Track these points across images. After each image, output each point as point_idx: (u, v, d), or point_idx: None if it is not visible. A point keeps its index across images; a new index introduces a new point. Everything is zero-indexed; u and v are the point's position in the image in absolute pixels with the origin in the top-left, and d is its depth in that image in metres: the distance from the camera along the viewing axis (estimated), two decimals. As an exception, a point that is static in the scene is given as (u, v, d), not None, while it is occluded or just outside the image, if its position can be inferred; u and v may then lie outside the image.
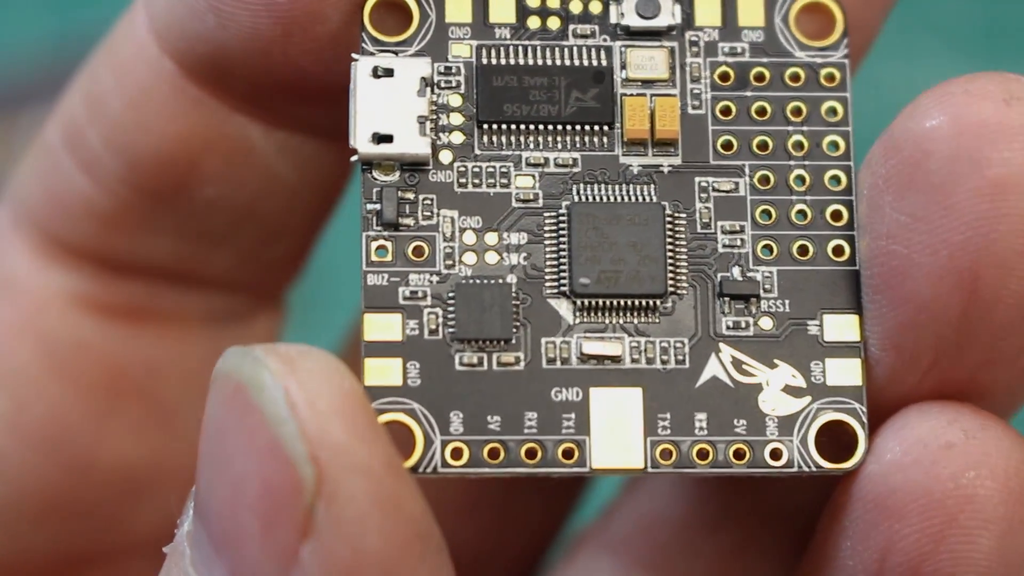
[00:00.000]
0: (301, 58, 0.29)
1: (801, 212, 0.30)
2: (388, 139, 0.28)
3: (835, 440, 0.29)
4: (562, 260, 0.29)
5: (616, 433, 0.28)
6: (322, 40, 0.29)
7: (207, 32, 0.29)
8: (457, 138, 0.29)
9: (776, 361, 0.29)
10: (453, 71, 0.29)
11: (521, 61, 0.29)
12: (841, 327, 0.29)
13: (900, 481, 0.27)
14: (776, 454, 0.29)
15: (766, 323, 0.29)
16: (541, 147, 0.29)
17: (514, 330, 0.28)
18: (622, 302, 0.29)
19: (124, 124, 0.31)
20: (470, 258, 0.29)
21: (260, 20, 0.29)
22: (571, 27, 0.30)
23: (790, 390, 0.29)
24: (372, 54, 0.29)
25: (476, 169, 0.29)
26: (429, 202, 0.29)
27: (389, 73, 0.29)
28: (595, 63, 0.29)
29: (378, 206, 0.28)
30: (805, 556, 0.31)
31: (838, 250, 0.29)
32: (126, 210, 0.31)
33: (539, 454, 0.28)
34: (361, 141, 0.28)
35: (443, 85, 0.29)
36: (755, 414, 0.29)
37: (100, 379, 0.33)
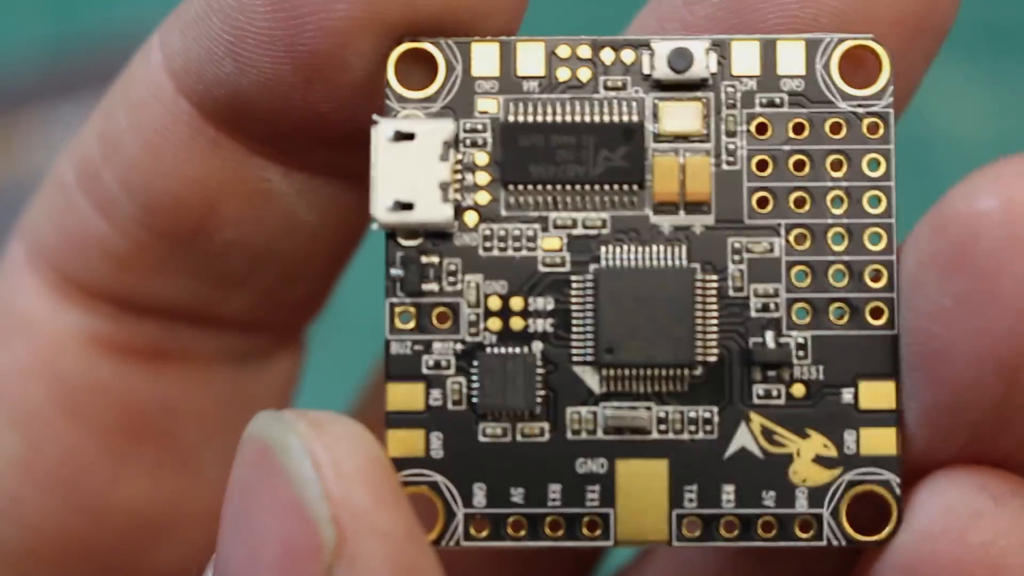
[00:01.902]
0: (322, 104, 0.29)
1: (839, 272, 0.28)
2: (409, 207, 0.28)
3: (866, 509, 0.29)
4: (588, 327, 0.28)
5: (641, 505, 0.28)
6: (344, 87, 0.28)
7: (225, 76, 0.29)
8: (483, 198, 0.28)
9: (808, 431, 0.28)
10: (479, 128, 0.28)
11: (549, 118, 0.28)
12: (877, 394, 0.28)
13: (930, 551, 0.27)
14: (806, 526, 0.28)
15: (798, 390, 0.28)
16: (569, 208, 0.28)
17: (538, 401, 0.28)
18: (649, 371, 0.28)
19: (139, 165, 0.30)
20: (495, 324, 0.28)
21: (281, 67, 0.28)
22: (602, 79, 0.29)
23: (822, 460, 0.28)
24: (395, 112, 0.28)
25: (502, 232, 0.28)
26: (454, 267, 0.28)
27: (410, 137, 0.28)
28: (625, 118, 0.29)
29: (401, 272, 0.28)
30: None
31: (876, 312, 0.29)
32: (142, 251, 0.31)
33: (563, 527, 0.28)
34: (380, 209, 0.28)
35: (469, 143, 0.28)
36: (785, 485, 0.28)
37: (116, 420, 0.32)
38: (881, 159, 0.28)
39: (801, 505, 0.28)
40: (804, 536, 0.28)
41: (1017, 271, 0.26)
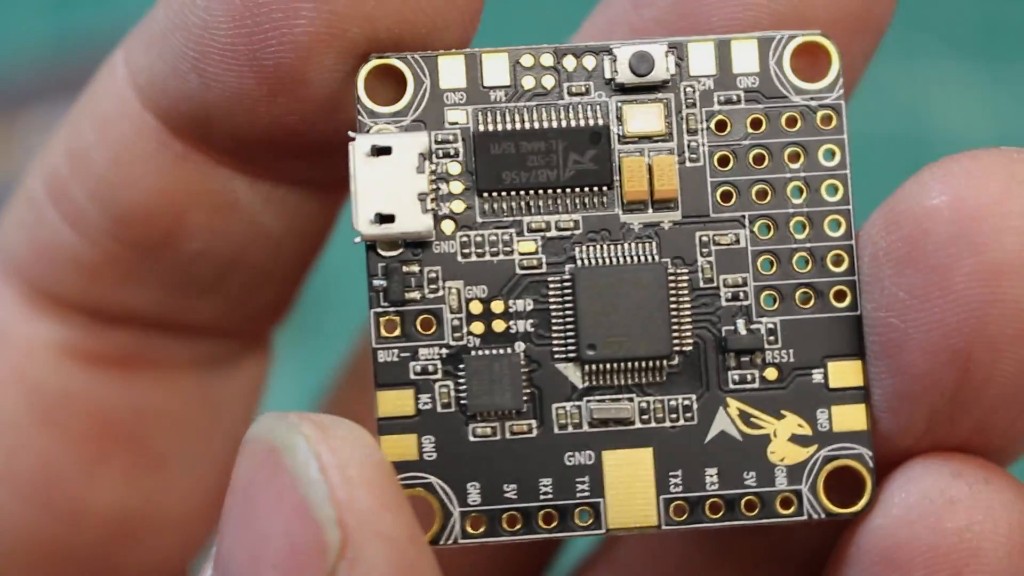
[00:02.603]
0: (285, 117, 0.29)
1: (803, 259, 0.29)
2: (390, 219, 0.28)
3: (842, 484, 0.29)
4: (568, 326, 0.29)
5: (630, 493, 0.29)
6: (307, 101, 0.29)
7: (190, 91, 0.29)
8: (458, 207, 0.29)
9: (783, 412, 0.29)
10: (451, 139, 0.29)
11: (518, 125, 0.29)
12: (845, 373, 0.29)
13: (907, 536, 0.28)
14: (787, 503, 0.29)
15: (771, 374, 0.29)
16: (542, 211, 0.29)
17: (524, 399, 0.29)
18: (629, 364, 0.29)
19: (108, 179, 0.31)
20: (478, 327, 0.29)
21: (245, 81, 0.29)
22: (566, 85, 0.29)
23: (797, 439, 0.29)
24: (368, 127, 0.29)
25: (479, 238, 0.29)
26: (434, 275, 0.29)
27: (386, 151, 0.28)
28: (592, 122, 0.29)
29: (384, 283, 0.29)
30: None
31: (840, 295, 0.29)
32: (112, 262, 0.31)
33: (556, 519, 0.29)
34: (363, 223, 0.28)
35: (441, 154, 0.29)
36: (764, 465, 0.29)
37: (89, 427, 0.33)
38: (836, 149, 0.29)
39: (781, 483, 0.29)
40: (786, 512, 0.29)
41: (966, 266, 0.27)
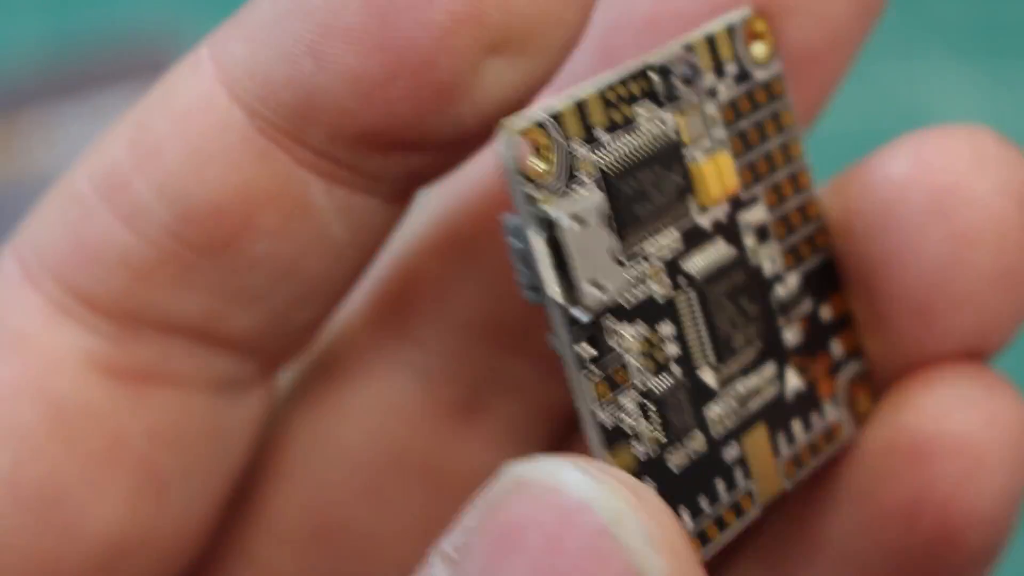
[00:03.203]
0: (401, 102, 0.28)
1: (786, 220, 0.31)
2: (602, 287, 0.27)
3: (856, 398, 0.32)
4: (704, 335, 0.29)
5: (762, 469, 0.30)
6: (427, 86, 0.28)
7: (300, 76, 0.29)
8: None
9: (817, 353, 0.31)
10: (591, 188, 0.28)
11: (631, 159, 0.28)
12: (834, 307, 0.31)
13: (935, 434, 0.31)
14: (836, 430, 0.31)
15: (801, 325, 0.31)
16: (657, 235, 0.29)
17: (696, 418, 0.29)
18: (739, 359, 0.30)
19: (180, 173, 0.30)
20: (649, 364, 0.28)
21: (367, 61, 0.28)
22: (637, 110, 0.29)
23: (830, 372, 0.31)
24: (538, 199, 0.27)
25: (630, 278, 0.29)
26: (610, 323, 0.28)
27: (580, 220, 0.27)
28: (669, 139, 0.29)
29: (594, 352, 0.28)
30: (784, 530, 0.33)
31: (819, 239, 0.31)
32: (166, 262, 0.30)
33: (735, 513, 0.29)
34: (588, 297, 0.27)
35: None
36: (819, 404, 0.31)
37: (102, 445, 0.32)
38: (787, 114, 0.31)
39: (831, 415, 0.31)
40: (840, 437, 0.31)
41: (937, 231, 0.30)
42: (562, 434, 0.36)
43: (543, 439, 0.36)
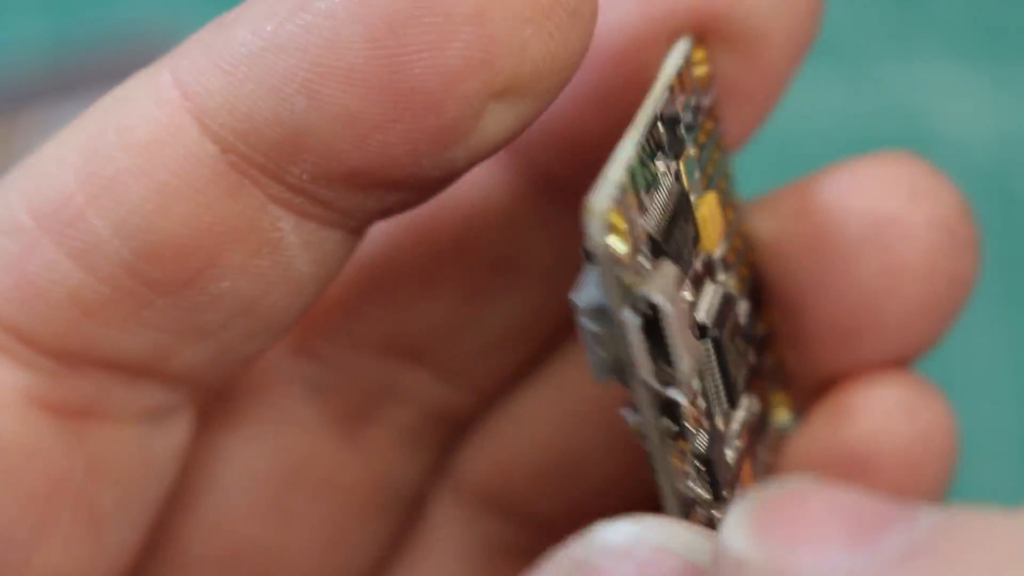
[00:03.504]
0: (399, 145, 0.27)
1: (732, 246, 0.30)
2: (693, 365, 0.26)
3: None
4: (718, 384, 0.29)
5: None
6: (428, 130, 0.27)
7: (287, 115, 0.27)
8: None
9: (760, 374, 0.31)
10: (645, 249, 0.27)
11: (665, 221, 0.27)
12: (764, 323, 0.32)
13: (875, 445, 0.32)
14: (779, 443, 0.32)
15: (752, 351, 0.31)
16: (683, 285, 0.28)
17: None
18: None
19: (143, 210, 0.28)
20: (701, 403, 0.28)
21: (368, 104, 0.27)
22: (658, 164, 0.27)
23: (765, 392, 0.32)
24: (630, 280, 0.25)
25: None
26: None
27: (672, 299, 0.26)
28: (679, 192, 0.28)
29: (675, 428, 0.27)
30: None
31: (750, 258, 0.31)
32: (119, 300, 0.29)
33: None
34: (687, 376, 0.26)
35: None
36: (766, 424, 0.32)
37: (44, 486, 0.30)
38: (723, 137, 0.31)
39: (775, 429, 0.32)
40: (782, 448, 0.32)
41: (872, 261, 0.31)
42: (451, 439, 0.35)
43: (434, 444, 0.35)
